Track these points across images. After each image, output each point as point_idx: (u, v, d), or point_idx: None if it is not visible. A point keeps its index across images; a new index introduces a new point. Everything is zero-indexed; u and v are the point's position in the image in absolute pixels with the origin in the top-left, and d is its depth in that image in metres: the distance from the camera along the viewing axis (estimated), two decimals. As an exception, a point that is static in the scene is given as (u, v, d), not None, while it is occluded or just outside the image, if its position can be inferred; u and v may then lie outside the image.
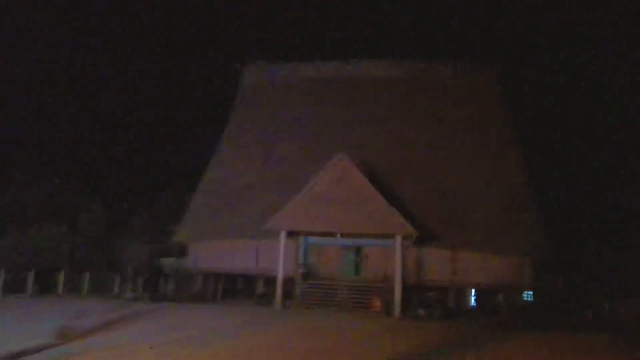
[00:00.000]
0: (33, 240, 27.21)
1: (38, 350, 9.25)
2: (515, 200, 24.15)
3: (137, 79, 62.40)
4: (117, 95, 59.95)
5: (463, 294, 24.50)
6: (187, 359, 9.18)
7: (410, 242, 22.20)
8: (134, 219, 34.07)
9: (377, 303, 20.33)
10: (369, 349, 10.95)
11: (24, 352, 8.85)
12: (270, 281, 23.69)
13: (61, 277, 25.10)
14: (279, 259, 21.61)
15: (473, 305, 25.12)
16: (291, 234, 22.56)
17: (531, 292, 25.13)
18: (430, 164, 25.73)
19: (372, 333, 13.67)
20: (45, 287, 24.50)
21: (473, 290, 25.21)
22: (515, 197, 24.29)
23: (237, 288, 27.35)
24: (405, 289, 20.83)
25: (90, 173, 42.73)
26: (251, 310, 18.97)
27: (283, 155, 27.48)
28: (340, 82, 29.73)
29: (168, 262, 29.68)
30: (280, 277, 21.42)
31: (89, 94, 59.19)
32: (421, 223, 22.09)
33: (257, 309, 19.95)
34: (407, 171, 25.49)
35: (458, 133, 26.75)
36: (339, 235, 22.66)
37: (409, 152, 26.25)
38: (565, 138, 44.02)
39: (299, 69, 30.94)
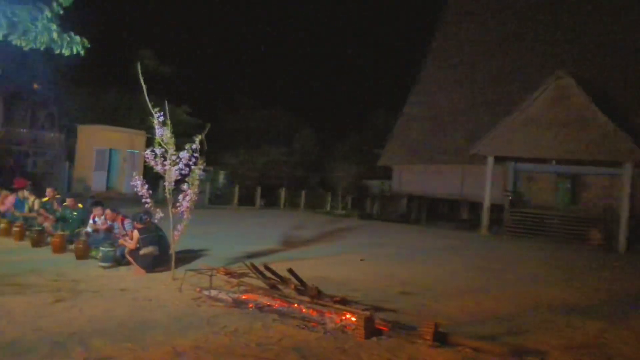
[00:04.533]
0: (259, 160, 30.76)
1: (267, 253, 10.65)
2: None
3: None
4: (324, 19, 62.14)
5: None
6: (396, 272, 9.65)
7: (643, 171, 19.43)
8: (343, 142, 36.05)
9: (596, 236, 18.51)
10: (587, 284, 10.14)
11: (257, 254, 10.27)
12: (475, 207, 23.20)
13: (282, 194, 28.14)
14: (486, 185, 20.89)
15: None
16: (499, 159, 21.47)
17: None
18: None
19: (590, 267, 12.60)
20: (269, 201, 27.81)
21: None
22: None
23: (440, 212, 27.46)
24: (633, 222, 18.52)
25: (303, 99, 45.90)
26: (455, 235, 18.94)
27: (492, 74, 25.76)
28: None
29: (374, 184, 31.01)
30: (486, 203, 20.79)
31: (295, 23, 62.48)
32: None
33: (462, 234, 19.82)
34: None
35: None
36: (553, 161, 20.87)
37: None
38: None
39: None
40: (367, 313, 5.56)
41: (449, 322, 6.13)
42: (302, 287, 6.66)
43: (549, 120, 19.80)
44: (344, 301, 6.30)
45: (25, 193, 12.05)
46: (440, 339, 5.24)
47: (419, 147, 26.11)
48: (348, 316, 5.69)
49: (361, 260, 10.75)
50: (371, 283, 8.45)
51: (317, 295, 6.31)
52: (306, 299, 6.21)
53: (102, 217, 9.79)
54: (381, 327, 5.49)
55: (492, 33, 27.02)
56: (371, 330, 5.35)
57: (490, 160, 20.86)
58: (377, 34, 63.34)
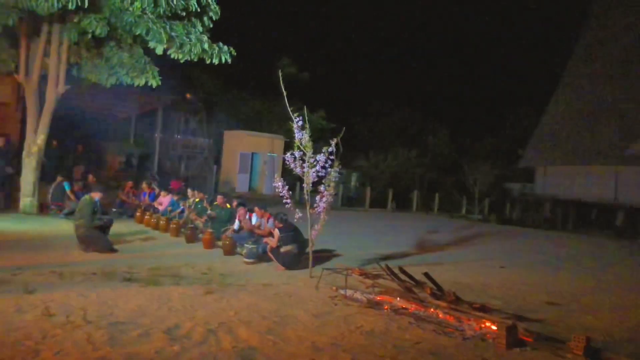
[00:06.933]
0: (391, 163, 30.68)
1: (400, 256, 10.58)
2: None
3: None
4: (462, 17, 60.23)
5: None
6: (540, 280, 9.05)
7: None
8: (480, 142, 34.64)
9: None
10: None
11: (390, 256, 10.26)
12: (632, 213, 20.90)
13: (415, 196, 27.76)
14: (645, 188, 18.76)
15: None
16: (662, 160, 19.18)
17: None
18: None
19: None
20: (401, 204, 27.59)
21: None
22: None
23: (590, 218, 25.13)
24: None
25: (437, 99, 44.86)
26: (608, 243, 17.23)
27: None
28: None
29: (514, 187, 29.32)
30: (646, 208, 18.65)
31: (430, 22, 61.25)
32: None
33: (616, 242, 17.95)
34: None
35: None
36: None
37: None
38: None
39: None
40: (510, 322, 5.29)
41: (601, 337, 5.61)
42: (439, 292, 6.52)
43: None
44: (483, 308, 6.06)
45: (190, 193, 13.26)
46: (593, 355, 4.81)
47: (565, 147, 24.22)
48: (488, 324, 5.45)
49: (501, 267, 10.23)
50: (512, 291, 8.00)
51: (454, 301, 6.14)
52: (443, 304, 6.06)
53: (246, 217, 10.47)
54: (525, 338, 5.18)
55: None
56: (514, 340, 5.08)
57: (652, 160, 18.68)
58: (518, 28, 59.82)
